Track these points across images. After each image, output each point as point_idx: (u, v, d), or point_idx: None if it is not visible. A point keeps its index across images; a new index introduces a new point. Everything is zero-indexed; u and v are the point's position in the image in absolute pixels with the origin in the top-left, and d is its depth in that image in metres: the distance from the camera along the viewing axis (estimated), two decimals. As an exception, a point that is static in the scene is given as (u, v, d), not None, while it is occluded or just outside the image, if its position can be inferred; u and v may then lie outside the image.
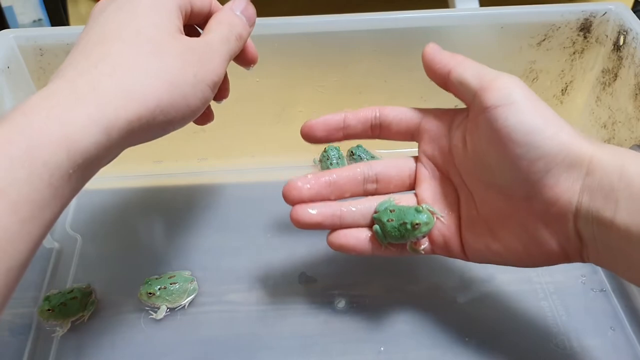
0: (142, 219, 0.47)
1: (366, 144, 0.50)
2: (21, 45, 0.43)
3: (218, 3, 0.34)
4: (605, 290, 0.41)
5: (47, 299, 0.39)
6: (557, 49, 0.48)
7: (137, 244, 0.45)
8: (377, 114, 0.37)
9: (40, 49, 0.43)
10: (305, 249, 0.44)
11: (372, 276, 0.42)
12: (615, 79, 0.47)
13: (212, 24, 0.33)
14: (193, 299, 0.41)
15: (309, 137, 0.37)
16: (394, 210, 0.35)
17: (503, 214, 0.33)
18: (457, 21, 0.46)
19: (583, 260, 0.31)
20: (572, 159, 0.29)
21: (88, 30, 0.30)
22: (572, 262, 0.32)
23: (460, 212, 0.35)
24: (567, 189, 0.29)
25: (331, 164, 0.48)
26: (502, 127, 0.30)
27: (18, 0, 0.74)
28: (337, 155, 0.49)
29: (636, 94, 0.44)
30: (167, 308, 0.40)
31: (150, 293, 0.39)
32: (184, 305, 0.40)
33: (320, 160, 0.50)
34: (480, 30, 0.46)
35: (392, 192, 0.37)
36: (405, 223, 0.34)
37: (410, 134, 0.37)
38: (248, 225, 0.46)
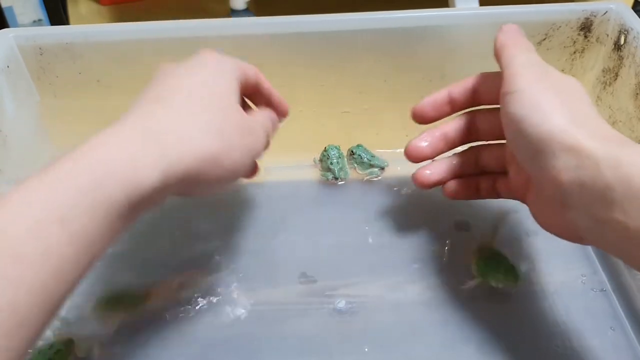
0: (142, 219, 0.47)
1: (366, 143, 0.50)
2: (21, 44, 0.43)
3: (262, 76, 0.38)
4: (605, 290, 0.41)
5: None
6: (558, 48, 0.48)
7: (137, 245, 0.45)
8: (473, 83, 0.38)
9: (39, 49, 0.43)
10: (305, 248, 0.44)
11: (372, 276, 0.42)
12: (616, 79, 0.46)
13: (256, 114, 0.37)
14: (193, 299, 0.40)
15: (421, 118, 0.40)
16: None
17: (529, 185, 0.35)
18: (457, 20, 0.46)
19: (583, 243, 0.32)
20: (556, 147, 0.29)
21: (154, 85, 0.32)
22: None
23: None
24: (554, 177, 0.29)
25: (331, 163, 0.48)
26: (504, 114, 0.32)
27: (18, 1, 0.74)
28: (337, 155, 0.49)
29: (637, 94, 0.44)
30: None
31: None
32: None
33: (321, 160, 0.50)
34: (480, 30, 0.46)
35: (490, 140, 0.40)
36: None
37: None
38: (248, 225, 0.46)
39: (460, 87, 0.38)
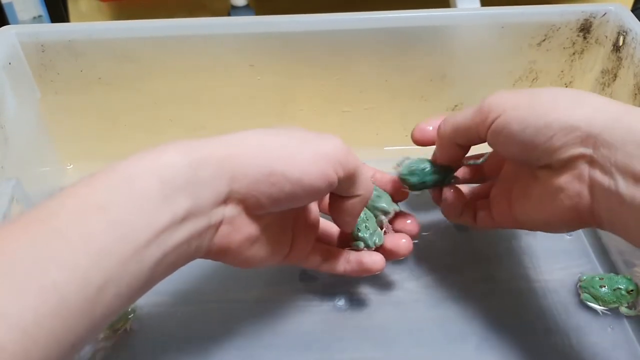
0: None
1: (366, 143, 0.50)
2: (23, 41, 0.43)
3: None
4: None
5: None
6: (557, 49, 0.48)
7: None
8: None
9: (42, 45, 0.43)
10: (306, 246, 0.44)
11: (372, 274, 0.42)
12: (615, 80, 0.47)
13: None
14: (193, 296, 0.41)
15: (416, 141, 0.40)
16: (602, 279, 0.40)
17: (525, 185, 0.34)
18: (458, 21, 0.46)
19: (596, 223, 0.31)
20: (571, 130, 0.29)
21: None
22: (587, 226, 0.32)
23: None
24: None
25: (359, 230, 0.39)
26: (504, 136, 0.32)
27: (18, -3, 0.74)
28: (363, 218, 0.39)
29: (635, 94, 0.44)
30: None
31: None
32: (127, 328, 0.39)
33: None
34: (481, 30, 0.46)
35: None
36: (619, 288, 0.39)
37: None
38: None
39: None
